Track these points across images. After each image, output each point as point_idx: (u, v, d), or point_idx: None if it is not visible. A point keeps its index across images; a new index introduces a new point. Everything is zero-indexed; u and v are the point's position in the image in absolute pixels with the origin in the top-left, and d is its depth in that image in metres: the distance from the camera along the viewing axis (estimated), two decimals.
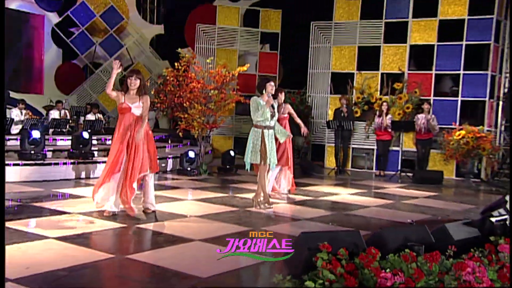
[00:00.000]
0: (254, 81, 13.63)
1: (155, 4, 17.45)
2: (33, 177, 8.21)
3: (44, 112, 13.84)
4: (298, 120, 8.50)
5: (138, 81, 6.15)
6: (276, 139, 7.38)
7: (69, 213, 6.41)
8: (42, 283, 3.85)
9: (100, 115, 13.17)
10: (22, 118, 11.16)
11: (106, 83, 14.93)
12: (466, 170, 11.60)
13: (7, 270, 3.81)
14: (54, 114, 12.45)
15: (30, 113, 11.77)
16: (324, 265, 3.55)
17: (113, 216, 6.19)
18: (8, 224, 5.50)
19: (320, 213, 7.37)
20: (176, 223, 6.29)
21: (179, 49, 10.72)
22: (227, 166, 10.90)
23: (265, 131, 6.89)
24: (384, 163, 12.13)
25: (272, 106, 7.17)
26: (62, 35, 15.11)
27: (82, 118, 13.81)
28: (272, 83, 7.09)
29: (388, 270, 3.61)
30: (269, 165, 7.05)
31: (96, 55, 15.70)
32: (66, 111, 12.23)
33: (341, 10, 13.20)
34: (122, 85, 6.41)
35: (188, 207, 7.39)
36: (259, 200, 7.11)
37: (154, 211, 6.50)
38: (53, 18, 15.33)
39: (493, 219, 5.58)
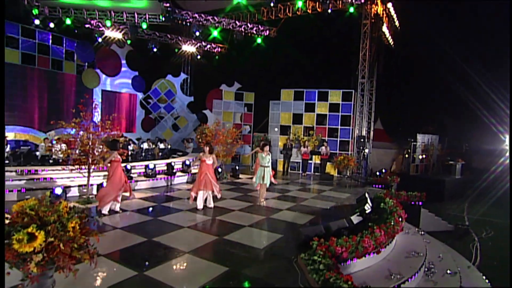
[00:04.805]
0: (240, 127, 13.79)
1: (188, 86, 17.67)
2: (151, 186, 8.37)
3: (137, 141, 13.30)
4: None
5: (209, 148, 6.74)
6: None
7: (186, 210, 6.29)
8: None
9: (166, 144, 12.67)
10: (146, 147, 10.76)
11: (165, 127, 15.15)
12: (342, 173, 12.17)
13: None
14: (144, 145, 11.95)
15: (150, 144, 11.34)
16: (318, 246, 4.17)
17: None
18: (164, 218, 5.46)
19: (289, 205, 7.23)
20: (232, 214, 6.19)
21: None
22: (235, 174, 10.93)
23: (266, 168, 7.10)
24: (305, 168, 12.53)
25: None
26: (145, 103, 15.19)
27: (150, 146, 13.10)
28: (268, 146, 7.19)
29: (338, 245, 4.23)
30: (266, 183, 7.22)
31: (161, 113, 15.75)
32: (150, 143, 12.30)
33: (285, 95, 13.45)
34: (206, 146, 6.57)
35: (231, 203, 7.09)
36: (261, 200, 7.25)
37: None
38: (141, 95, 15.39)
39: (367, 210, 5.77)
